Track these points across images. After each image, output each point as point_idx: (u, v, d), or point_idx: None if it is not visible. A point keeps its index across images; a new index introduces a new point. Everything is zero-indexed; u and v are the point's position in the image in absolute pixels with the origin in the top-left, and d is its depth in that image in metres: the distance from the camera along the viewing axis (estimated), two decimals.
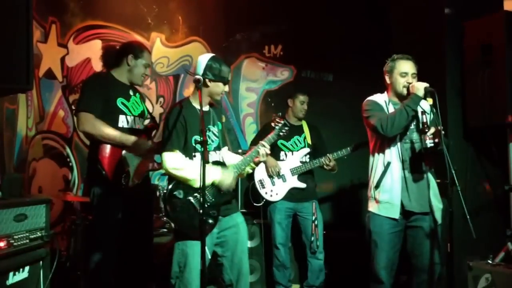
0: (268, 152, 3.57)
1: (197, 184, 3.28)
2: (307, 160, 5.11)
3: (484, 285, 3.69)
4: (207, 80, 3.42)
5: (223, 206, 3.45)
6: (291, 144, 5.14)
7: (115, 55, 4.08)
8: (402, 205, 3.67)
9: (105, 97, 3.86)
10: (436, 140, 3.50)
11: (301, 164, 5.06)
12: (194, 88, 3.49)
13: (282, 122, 3.64)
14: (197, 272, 3.29)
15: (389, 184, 3.70)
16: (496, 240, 4.34)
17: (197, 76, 3.30)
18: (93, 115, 3.78)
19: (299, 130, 5.22)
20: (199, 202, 3.26)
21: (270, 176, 5.06)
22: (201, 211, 3.08)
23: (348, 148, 4.91)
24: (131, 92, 4.06)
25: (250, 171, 3.76)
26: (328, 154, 4.91)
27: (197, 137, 3.38)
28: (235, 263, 3.47)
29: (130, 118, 3.97)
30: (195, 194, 3.33)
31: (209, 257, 3.38)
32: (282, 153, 5.13)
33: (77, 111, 3.86)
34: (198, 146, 3.37)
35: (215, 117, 3.58)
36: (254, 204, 5.15)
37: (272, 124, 3.66)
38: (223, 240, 3.47)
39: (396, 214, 3.66)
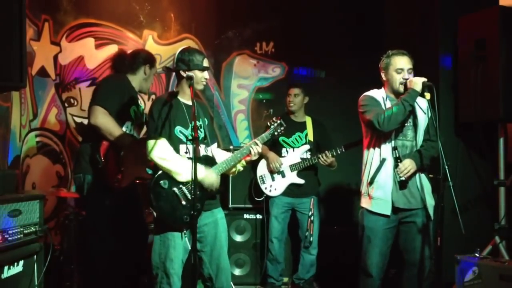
0: (260, 150, 3.51)
1: (179, 178, 3.29)
2: (308, 156, 5.12)
3: (471, 278, 3.73)
4: (181, 72, 3.39)
5: (206, 200, 3.42)
6: (292, 141, 5.17)
7: (130, 61, 4.16)
8: (393, 202, 3.67)
9: (121, 100, 3.94)
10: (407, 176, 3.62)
11: (301, 161, 5.07)
12: (182, 84, 3.47)
13: (278, 121, 3.59)
14: (179, 263, 3.35)
15: (383, 181, 3.68)
16: (485, 233, 4.40)
17: (189, 73, 3.29)
18: (109, 111, 3.85)
19: (301, 127, 5.22)
20: (184, 194, 3.31)
21: (271, 172, 5.10)
22: (189, 205, 3.12)
23: (342, 148, 4.88)
24: (140, 102, 4.19)
25: (241, 168, 3.70)
26: (326, 151, 4.91)
27: (182, 128, 3.39)
28: (214, 258, 3.46)
29: (132, 126, 4.06)
30: (181, 186, 3.32)
31: (189, 248, 3.35)
32: (283, 150, 5.16)
33: (94, 104, 3.89)
34: (183, 137, 3.37)
35: (200, 111, 3.53)
36: (256, 199, 5.24)
37: (268, 123, 3.64)
38: (201, 235, 3.45)
39: (388, 211, 3.66)
